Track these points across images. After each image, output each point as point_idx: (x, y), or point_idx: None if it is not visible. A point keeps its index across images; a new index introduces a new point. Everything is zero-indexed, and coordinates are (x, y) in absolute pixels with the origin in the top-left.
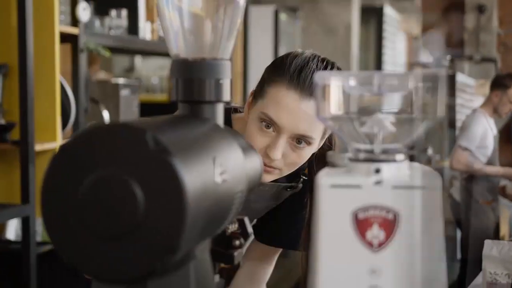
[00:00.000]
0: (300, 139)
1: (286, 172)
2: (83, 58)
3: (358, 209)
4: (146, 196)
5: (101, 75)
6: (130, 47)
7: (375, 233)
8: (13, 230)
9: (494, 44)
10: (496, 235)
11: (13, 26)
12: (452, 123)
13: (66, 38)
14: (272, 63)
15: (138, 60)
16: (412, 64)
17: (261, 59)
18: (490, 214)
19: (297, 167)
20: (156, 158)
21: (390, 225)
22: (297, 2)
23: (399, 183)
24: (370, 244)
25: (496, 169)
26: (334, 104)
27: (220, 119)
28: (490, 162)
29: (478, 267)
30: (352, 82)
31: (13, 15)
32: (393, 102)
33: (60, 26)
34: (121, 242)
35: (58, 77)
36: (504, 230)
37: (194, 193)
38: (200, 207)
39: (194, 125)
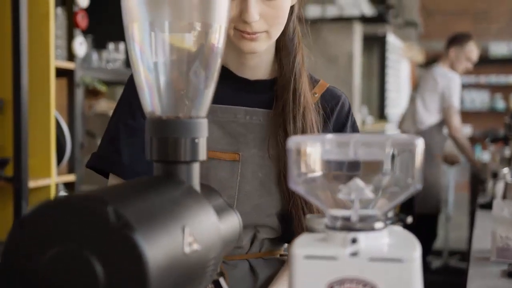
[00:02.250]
0: None
1: (275, 33)
2: (79, 93)
3: (333, 282)
4: (106, 274)
5: (103, 104)
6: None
7: None
8: None
9: (416, 8)
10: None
11: (8, 60)
12: (382, 84)
13: (62, 72)
14: None
15: None
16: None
17: None
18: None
19: (284, 24)
20: (117, 233)
21: None
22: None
23: (377, 254)
24: None
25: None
26: (309, 169)
27: (195, 180)
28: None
29: (422, 222)
30: (328, 147)
31: (8, 50)
32: (371, 167)
33: (56, 61)
34: None
35: (53, 112)
36: None
37: (159, 269)
38: (166, 282)
39: (165, 189)
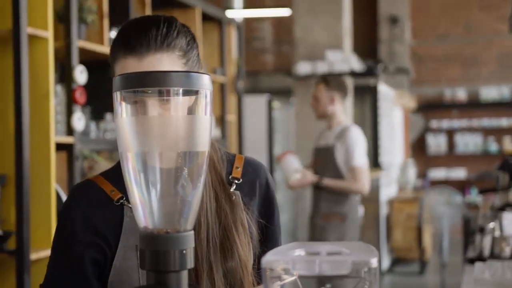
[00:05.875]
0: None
1: None
2: (78, 166)
3: None
4: None
5: (103, 165)
6: None
7: None
8: None
9: (407, 55)
10: None
11: (11, 137)
12: (375, 132)
13: (62, 146)
14: None
15: None
16: None
17: (256, 148)
18: (336, 232)
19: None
20: None
21: None
22: (291, 86)
23: None
24: None
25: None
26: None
27: (184, 285)
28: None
29: None
30: (297, 265)
31: (10, 126)
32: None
33: (56, 136)
34: None
35: (54, 185)
36: None
37: None
38: None
39: None
